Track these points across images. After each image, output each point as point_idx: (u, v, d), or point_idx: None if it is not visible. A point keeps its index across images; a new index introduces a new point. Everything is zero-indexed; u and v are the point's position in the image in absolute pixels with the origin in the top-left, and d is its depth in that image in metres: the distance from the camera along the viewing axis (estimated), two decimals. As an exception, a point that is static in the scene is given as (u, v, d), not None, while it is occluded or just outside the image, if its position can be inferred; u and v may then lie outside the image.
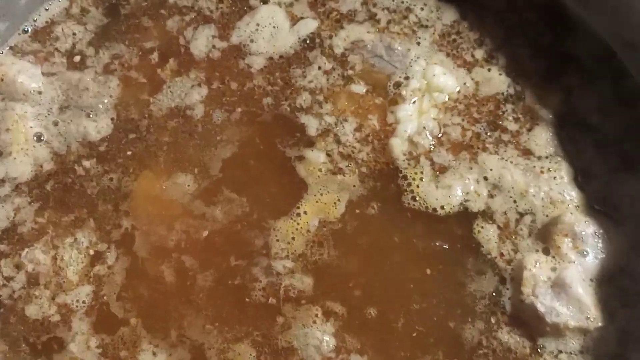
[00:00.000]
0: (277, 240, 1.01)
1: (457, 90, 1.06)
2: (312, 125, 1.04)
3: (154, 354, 0.98)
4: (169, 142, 1.04)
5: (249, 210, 1.02)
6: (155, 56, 1.09)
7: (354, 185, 1.03)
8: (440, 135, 1.05)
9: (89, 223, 1.03)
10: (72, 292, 1.00)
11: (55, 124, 1.07)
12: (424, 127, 1.04)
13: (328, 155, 1.02)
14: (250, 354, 0.97)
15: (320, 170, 1.01)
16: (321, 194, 1.01)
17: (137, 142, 1.06)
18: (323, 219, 1.01)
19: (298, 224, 1.00)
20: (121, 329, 0.98)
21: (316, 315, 0.96)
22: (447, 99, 1.05)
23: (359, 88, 1.06)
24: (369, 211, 1.02)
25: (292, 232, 1.01)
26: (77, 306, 1.00)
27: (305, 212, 1.00)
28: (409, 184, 1.02)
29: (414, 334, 0.97)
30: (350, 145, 1.03)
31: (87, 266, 1.01)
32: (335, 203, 1.02)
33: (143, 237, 1.01)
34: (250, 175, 1.03)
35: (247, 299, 0.99)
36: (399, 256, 1.00)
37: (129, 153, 1.04)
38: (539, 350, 0.97)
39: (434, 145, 1.04)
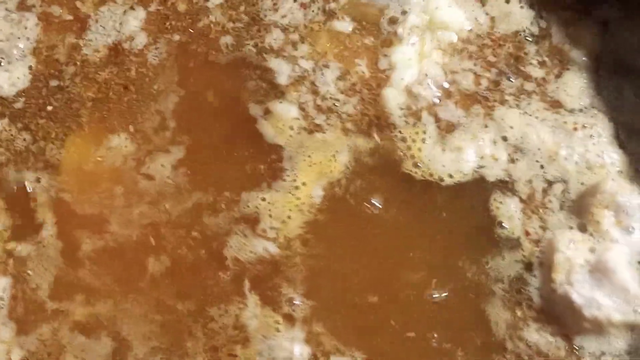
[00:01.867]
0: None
1: (468, 27, 1.02)
2: (283, 71, 1.00)
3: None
4: (95, 98, 1.01)
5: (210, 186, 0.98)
6: (82, -18, 1.08)
7: (337, 147, 0.98)
8: (446, 84, 1.00)
9: None
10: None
11: (-43, 75, 1.04)
12: (426, 75, 1.00)
13: (301, 108, 0.99)
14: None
15: (291, 127, 0.98)
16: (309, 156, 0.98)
17: (58, 93, 1.02)
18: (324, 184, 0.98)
19: (298, 198, 0.97)
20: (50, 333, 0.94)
21: (277, 322, 0.93)
22: (455, 39, 1.02)
23: (344, 25, 1.02)
24: (358, 183, 0.97)
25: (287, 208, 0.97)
26: (-6, 305, 0.96)
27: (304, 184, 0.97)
28: (409, 147, 0.97)
29: (407, 332, 0.93)
30: (331, 97, 1.00)
31: (1, 254, 0.97)
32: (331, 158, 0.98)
33: (80, 222, 0.98)
34: (204, 138, 1.00)
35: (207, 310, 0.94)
36: (390, 239, 0.96)
37: (50, 109, 1.01)
38: (577, 352, 0.91)
39: (439, 97, 0.99)
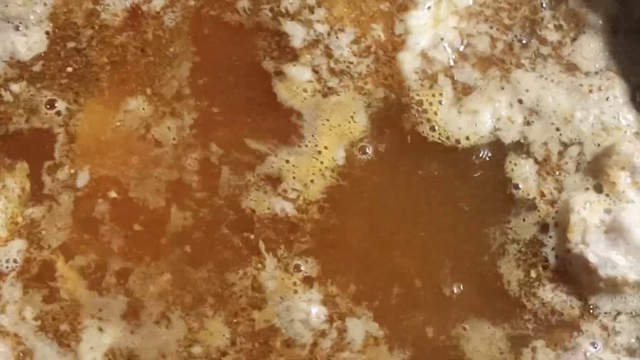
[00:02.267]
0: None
1: (484, -10, 1.01)
2: (297, 34, 0.98)
3: (100, 329, 0.93)
4: (112, 62, 1.00)
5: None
6: (100, -58, 1.04)
7: (353, 108, 0.97)
8: (462, 48, 0.99)
9: (21, 165, 0.98)
10: (0, 250, 0.95)
11: (-26, 40, 1.01)
12: (442, 39, 0.99)
13: (315, 71, 0.98)
14: (224, 335, 0.93)
15: (305, 90, 0.97)
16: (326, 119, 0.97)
17: (76, 55, 1.01)
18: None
19: (322, 162, 0.96)
20: (63, 295, 0.94)
21: (294, 284, 0.93)
22: (470, 2, 1.00)
23: (361, -11, 1.01)
24: (377, 145, 0.97)
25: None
26: (7, 267, 0.94)
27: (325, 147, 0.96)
28: (425, 110, 0.96)
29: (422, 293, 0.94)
30: (345, 61, 0.98)
31: (17, 217, 0.96)
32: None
33: (97, 184, 0.97)
34: (221, 100, 0.99)
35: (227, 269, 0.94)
36: (409, 202, 0.96)
37: (69, 71, 0.99)
38: (592, 312, 0.92)
39: (454, 60, 0.98)
